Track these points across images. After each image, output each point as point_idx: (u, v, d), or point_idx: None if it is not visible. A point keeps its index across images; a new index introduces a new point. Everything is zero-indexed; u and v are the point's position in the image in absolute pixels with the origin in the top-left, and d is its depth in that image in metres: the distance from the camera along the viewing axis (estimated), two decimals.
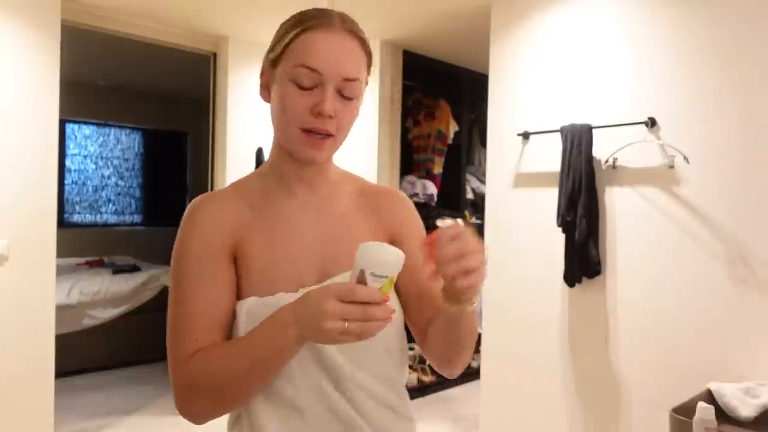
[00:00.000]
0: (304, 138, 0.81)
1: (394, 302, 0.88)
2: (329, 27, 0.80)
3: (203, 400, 0.78)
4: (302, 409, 0.82)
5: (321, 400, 0.82)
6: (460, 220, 0.73)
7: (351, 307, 0.66)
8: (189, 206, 0.86)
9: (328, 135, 0.81)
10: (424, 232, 0.95)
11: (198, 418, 0.80)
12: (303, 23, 0.81)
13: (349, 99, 0.82)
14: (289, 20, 0.84)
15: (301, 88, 0.79)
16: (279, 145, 0.88)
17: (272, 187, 0.89)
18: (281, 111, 0.82)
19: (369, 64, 0.86)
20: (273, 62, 0.84)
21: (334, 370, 0.82)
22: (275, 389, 0.81)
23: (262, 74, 0.87)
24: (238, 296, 0.83)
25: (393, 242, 0.88)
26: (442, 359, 0.89)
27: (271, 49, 0.84)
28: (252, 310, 0.80)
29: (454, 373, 0.91)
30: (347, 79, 0.80)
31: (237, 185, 0.91)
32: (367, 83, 0.87)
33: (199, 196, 0.88)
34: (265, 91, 0.87)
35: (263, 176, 0.90)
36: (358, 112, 0.86)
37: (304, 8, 0.86)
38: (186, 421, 0.80)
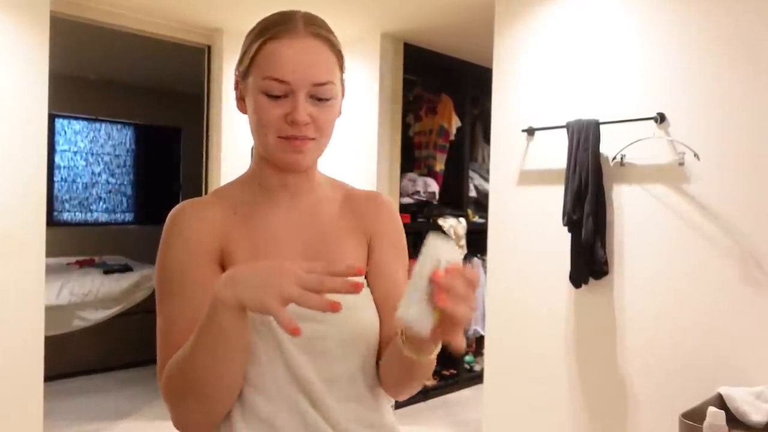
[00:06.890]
0: (284, 144, 0.81)
1: (372, 315, 0.86)
2: (293, 33, 0.80)
3: (185, 404, 0.76)
4: (280, 428, 0.81)
5: (298, 419, 0.81)
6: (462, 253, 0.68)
7: (311, 276, 0.66)
8: (171, 213, 0.86)
9: (308, 138, 0.81)
10: (402, 239, 0.96)
11: (190, 426, 0.79)
12: (265, 32, 0.81)
13: (325, 100, 0.81)
14: (253, 29, 0.84)
15: (273, 97, 0.80)
16: (261, 154, 0.87)
17: (255, 196, 0.89)
18: (257, 122, 0.82)
19: (341, 63, 0.86)
20: (243, 75, 0.84)
21: (309, 389, 0.81)
22: (253, 407, 0.80)
23: (236, 87, 0.88)
24: None
25: (369, 244, 0.91)
26: (387, 384, 0.89)
27: (240, 62, 0.85)
28: None
29: (397, 398, 0.93)
30: (318, 84, 0.80)
31: (219, 192, 0.91)
32: (343, 82, 0.87)
33: (181, 203, 0.87)
34: (241, 102, 0.87)
35: (245, 184, 0.90)
36: (339, 110, 0.86)
37: None
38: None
